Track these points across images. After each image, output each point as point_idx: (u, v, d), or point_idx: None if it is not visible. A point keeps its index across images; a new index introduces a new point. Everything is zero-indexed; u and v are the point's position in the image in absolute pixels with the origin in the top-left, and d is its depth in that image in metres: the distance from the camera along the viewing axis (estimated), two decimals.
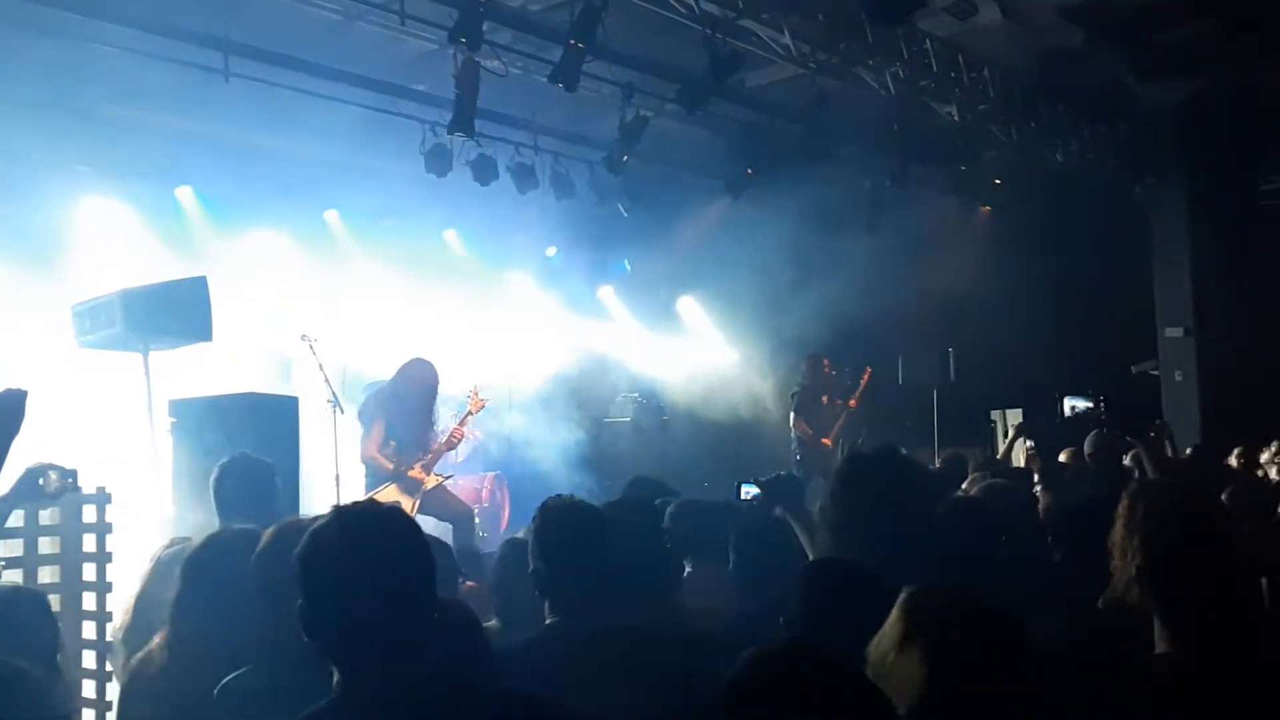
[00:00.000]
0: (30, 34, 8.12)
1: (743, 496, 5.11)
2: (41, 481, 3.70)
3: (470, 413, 9.16)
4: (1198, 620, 2.34)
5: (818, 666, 1.77)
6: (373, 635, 2.11)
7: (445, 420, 9.28)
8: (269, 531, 2.95)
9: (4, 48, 7.97)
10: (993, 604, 2.09)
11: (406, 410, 8.61)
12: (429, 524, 7.72)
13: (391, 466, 8.52)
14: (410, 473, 8.54)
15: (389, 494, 8.40)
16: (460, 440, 9.20)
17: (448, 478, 9.05)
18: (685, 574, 4.09)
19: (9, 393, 3.50)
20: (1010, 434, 8.71)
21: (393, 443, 8.53)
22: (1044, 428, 11.49)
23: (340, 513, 2.29)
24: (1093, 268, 12.88)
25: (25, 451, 3.86)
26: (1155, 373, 12.82)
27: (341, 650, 2.14)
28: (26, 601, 3.19)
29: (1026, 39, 10.34)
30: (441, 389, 8.89)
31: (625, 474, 7.16)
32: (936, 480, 6.38)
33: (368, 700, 2.10)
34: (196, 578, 3.20)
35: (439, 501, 8.56)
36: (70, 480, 3.75)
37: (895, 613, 2.10)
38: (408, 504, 8.31)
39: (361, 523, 2.23)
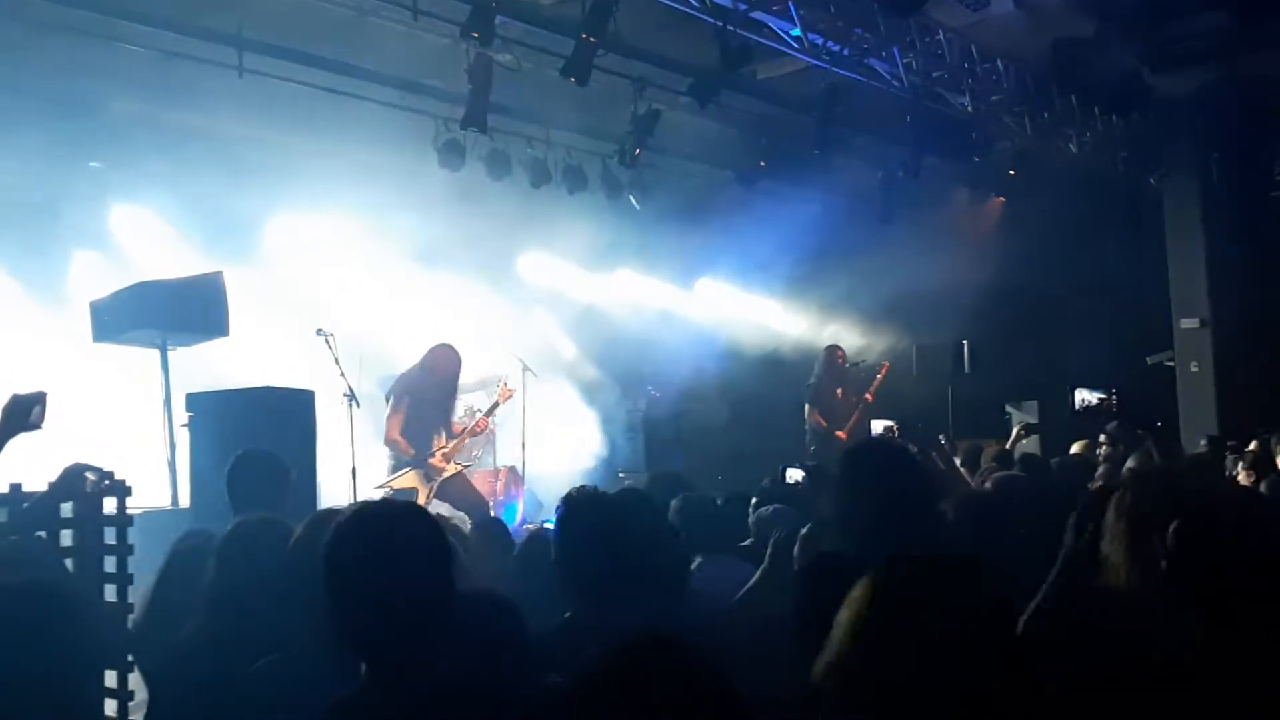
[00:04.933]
0: (47, 32, 8.16)
1: (788, 480, 5.08)
2: (79, 483, 3.74)
3: (497, 404, 9.20)
4: (1230, 611, 2.33)
5: (669, 661, 1.73)
6: (392, 629, 2.15)
7: (471, 409, 9.33)
8: (302, 523, 2.99)
9: (22, 46, 8.02)
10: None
11: (429, 397, 8.65)
12: (444, 509, 7.80)
13: (413, 452, 8.56)
14: (431, 460, 8.59)
15: (407, 480, 8.47)
16: (484, 429, 9.27)
17: (466, 466, 9.10)
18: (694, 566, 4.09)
19: (26, 395, 3.56)
20: (1015, 432, 8.71)
21: (414, 427, 8.57)
22: (1056, 421, 11.47)
23: (360, 510, 2.33)
24: (1107, 259, 12.83)
25: (46, 446, 3.92)
26: (1171, 364, 12.78)
27: (363, 643, 2.18)
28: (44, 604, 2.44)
29: (1039, 29, 10.30)
30: (463, 379, 8.94)
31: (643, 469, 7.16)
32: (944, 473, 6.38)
33: (390, 691, 2.14)
34: (228, 565, 3.26)
35: (457, 490, 8.61)
36: (106, 482, 3.79)
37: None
38: (424, 490, 8.40)
39: (380, 519, 2.27)
